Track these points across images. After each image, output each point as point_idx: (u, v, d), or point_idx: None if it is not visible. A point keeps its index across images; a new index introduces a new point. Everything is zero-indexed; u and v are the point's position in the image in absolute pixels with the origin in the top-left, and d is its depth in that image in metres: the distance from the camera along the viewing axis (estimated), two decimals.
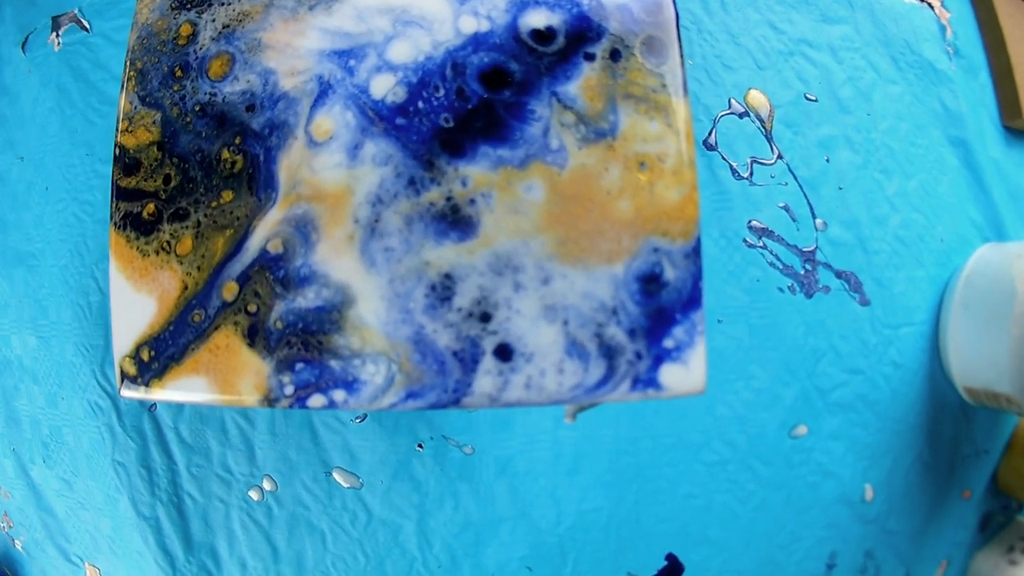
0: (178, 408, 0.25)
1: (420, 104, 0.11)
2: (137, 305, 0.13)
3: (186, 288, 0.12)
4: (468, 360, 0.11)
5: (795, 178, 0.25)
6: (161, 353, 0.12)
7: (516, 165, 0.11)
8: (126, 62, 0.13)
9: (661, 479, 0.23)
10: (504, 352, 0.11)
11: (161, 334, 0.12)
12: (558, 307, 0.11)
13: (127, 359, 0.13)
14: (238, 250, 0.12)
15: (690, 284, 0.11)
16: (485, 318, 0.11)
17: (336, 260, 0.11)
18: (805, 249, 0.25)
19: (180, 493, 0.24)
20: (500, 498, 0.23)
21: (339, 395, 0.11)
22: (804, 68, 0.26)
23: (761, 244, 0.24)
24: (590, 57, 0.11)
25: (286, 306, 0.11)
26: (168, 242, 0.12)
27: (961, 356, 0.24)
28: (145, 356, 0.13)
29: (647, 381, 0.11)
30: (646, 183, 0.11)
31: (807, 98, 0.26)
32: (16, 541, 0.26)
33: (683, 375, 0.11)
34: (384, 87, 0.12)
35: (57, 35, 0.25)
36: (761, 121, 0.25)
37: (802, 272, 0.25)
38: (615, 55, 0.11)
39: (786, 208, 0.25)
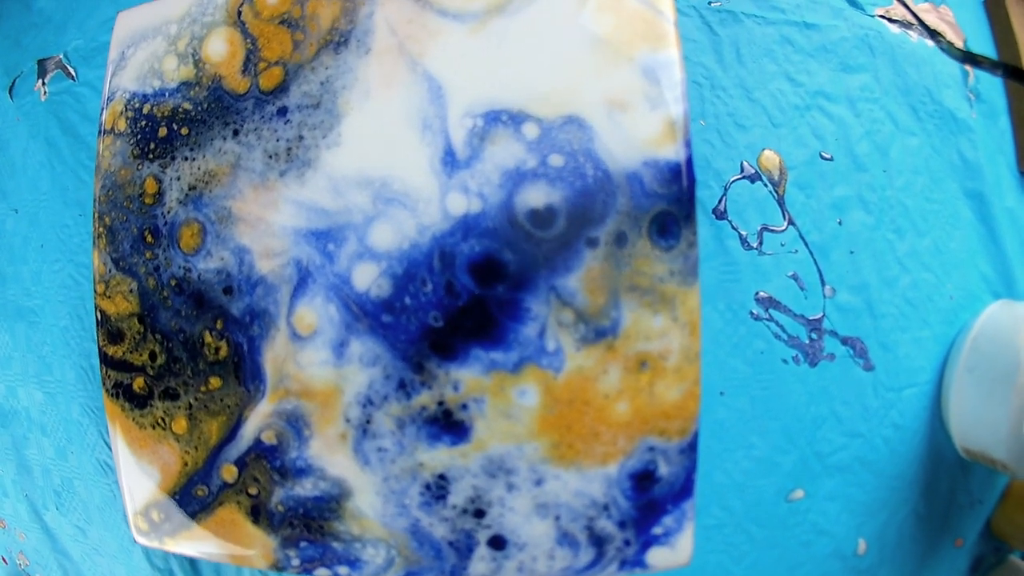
0: None
1: (407, 300, 0.11)
2: (142, 472, 0.13)
3: (186, 464, 0.12)
4: (463, 549, 0.11)
5: (806, 244, 0.24)
6: (170, 518, 0.13)
7: (509, 369, 0.11)
8: (94, 214, 0.12)
9: None
10: (497, 542, 0.11)
11: (168, 501, 0.13)
12: (550, 505, 0.11)
13: (139, 516, 0.13)
14: (233, 436, 0.12)
15: (683, 477, 0.11)
16: (479, 514, 0.11)
17: (330, 456, 0.11)
18: (812, 318, 0.24)
19: None
20: None
21: (343, 570, 0.12)
22: (821, 124, 0.23)
23: (767, 316, 0.23)
24: (593, 243, 0.10)
25: (285, 492, 0.12)
26: (163, 419, 0.12)
27: (961, 418, 0.24)
28: (155, 517, 0.13)
29: (634, 562, 0.11)
30: (646, 384, 0.10)
31: (822, 157, 0.24)
32: None
33: (669, 555, 0.11)
34: (367, 278, 0.11)
35: (43, 83, 0.24)
36: (774, 185, 0.23)
37: (807, 342, 0.24)
38: (621, 239, 0.10)
39: (795, 277, 0.24)
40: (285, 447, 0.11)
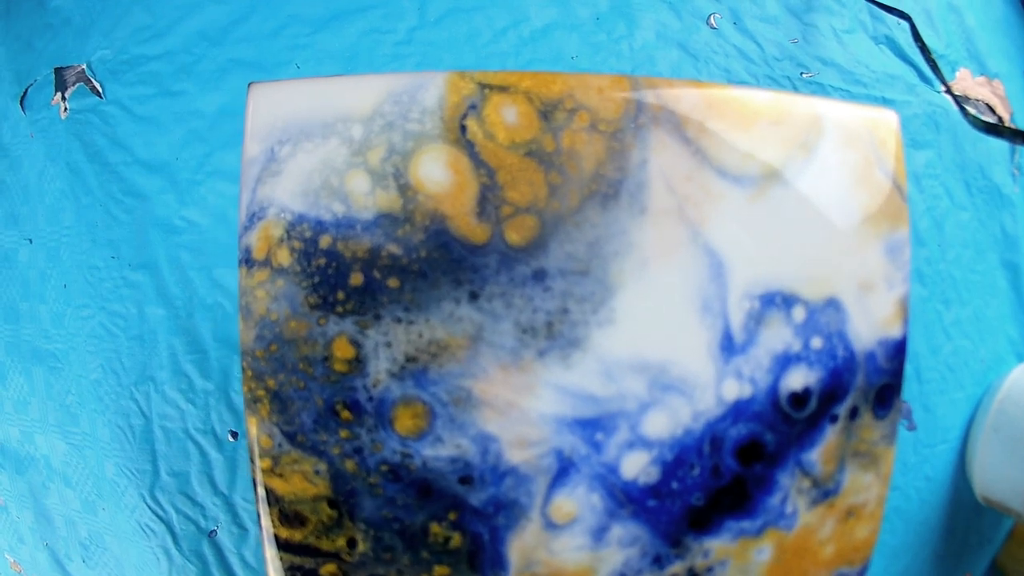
0: (241, 534, 0.23)
1: (674, 484, 0.10)
2: None
3: None
4: None
5: None
6: None
7: (753, 534, 0.11)
8: (246, 370, 0.09)
9: None
10: None
11: None
12: None
13: None
14: None
15: None
16: None
17: None
18: None
19: None
20: None
21: None
22: None
23: None
24: (834, 419, 0.11)
25: None
26: None
27: (984, 472, 0.26)
28: None
29: None
30: (849, 529, 0.12)
31: None
32: None
33: None
34: (636, 467, 0.10)
35: (63, 97, 0.19)
36: None
37: None
38: (854, 413, 0.11)
39: None
40: None
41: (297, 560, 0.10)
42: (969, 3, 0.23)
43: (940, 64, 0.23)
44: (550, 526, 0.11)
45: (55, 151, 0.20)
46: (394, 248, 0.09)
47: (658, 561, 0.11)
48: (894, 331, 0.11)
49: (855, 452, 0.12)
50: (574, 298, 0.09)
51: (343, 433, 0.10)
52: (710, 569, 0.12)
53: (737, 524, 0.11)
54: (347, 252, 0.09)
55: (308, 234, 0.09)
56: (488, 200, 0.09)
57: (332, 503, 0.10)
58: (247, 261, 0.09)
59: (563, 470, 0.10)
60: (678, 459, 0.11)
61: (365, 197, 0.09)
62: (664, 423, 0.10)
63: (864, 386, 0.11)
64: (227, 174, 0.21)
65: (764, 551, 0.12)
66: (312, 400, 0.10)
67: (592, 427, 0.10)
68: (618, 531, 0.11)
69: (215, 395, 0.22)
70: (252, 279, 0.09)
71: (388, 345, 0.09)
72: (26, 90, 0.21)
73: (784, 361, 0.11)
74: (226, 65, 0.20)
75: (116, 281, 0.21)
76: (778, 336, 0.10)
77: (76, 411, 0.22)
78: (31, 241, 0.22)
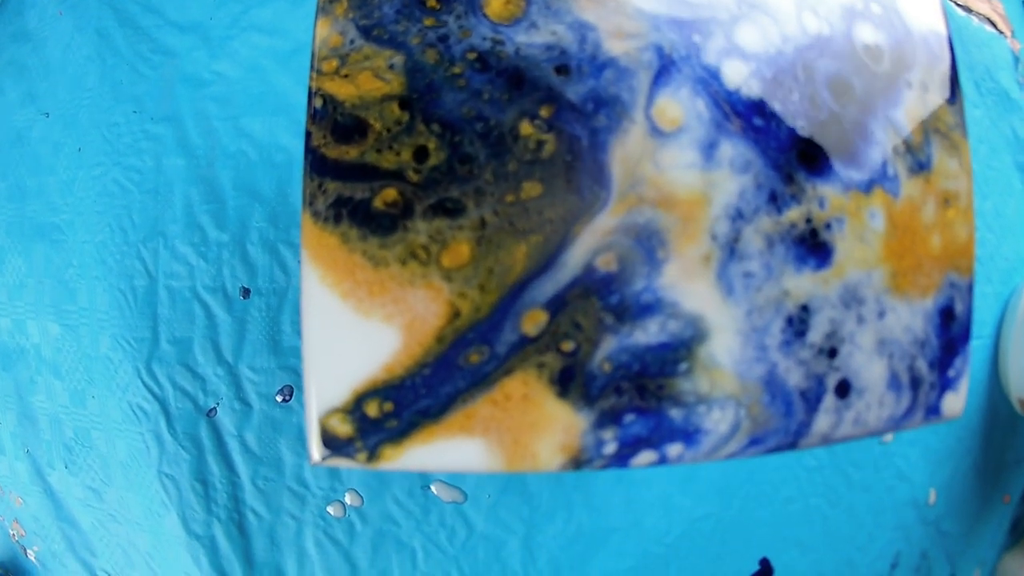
0: (244, 411, 0.19)
1: (776, 105, 0.10)
2: (362, 336, 0.08)
3: (457, 315, 0.08)
4: (812, 399, 0.10)
5: None
6: (406, 406, 0.08)
7: (863, 189, 0.10)
8: None
9: (766, 483, 0.23)
10: (843, 389, 0.10)
11: (407, 380, 0.08)
12: (887, 341, 0.11)
13: (337, 414, 0.08)
14: (549, 265, 0.08)
15: (967, 317, 0.12)
16: (832, 354, 0.10)
17: (688, 285, 0.09)
18: None
19: (242, 509, 0.20)
20: (614, 508, 0.22)
21: (675, 450, 0.09)
22: None
23: None
24: (909, 84, 0.11)
25: (619, 343, 0.08)
26: (425, 247, 0.08)
27: (1020, 372, 0.24)
28: (374, 411, 0.08)
29: (933, 409, 0.11)
30: (950, 220, 0.11)
31: None
32: (29, 551, 0.23)
33: (954, 402, 0.12)
34: (737, 76, 0.10)
35: None
36: None
37: None
38: (924, 86, 0.11)
39: None
40: (628, 276, 0.08)
41: (346, 190, 0.08)
42: None
43: None
44: (656, 131, 0.09)
45: (84, 21, 0.21)
46: None
47: (774, 200, 0.10)
48: (938, 27, 0.12)
49: (936, 129, 0.11)
50: None
51: (428, 21, 0.09)
52: (828, 225, 0.10)
53: (844, 171, 0.10)
54: None
55: None
56: None
57: (404, 103, 0.08)
58: None
59: (664, 68, 0.09)
60: (776, 78, 0.10)
61: None
62: (756, 37, 0.10)
63: (928, 64, 0.12)
64: (262, 28, 0.22)
65: (876, 216, 0.11)
66: None
67: (689, 28, 0.10)
68: (728, 149, 0.09)
69: (229, 247, 0.19)
70: None
71: None
72: None
73: (851, 14, 0.11)
74: None
75: (136, 135, 0.20)
76: None
77: (75, 285, 0.20)
78: (47, 115, 0.21)
